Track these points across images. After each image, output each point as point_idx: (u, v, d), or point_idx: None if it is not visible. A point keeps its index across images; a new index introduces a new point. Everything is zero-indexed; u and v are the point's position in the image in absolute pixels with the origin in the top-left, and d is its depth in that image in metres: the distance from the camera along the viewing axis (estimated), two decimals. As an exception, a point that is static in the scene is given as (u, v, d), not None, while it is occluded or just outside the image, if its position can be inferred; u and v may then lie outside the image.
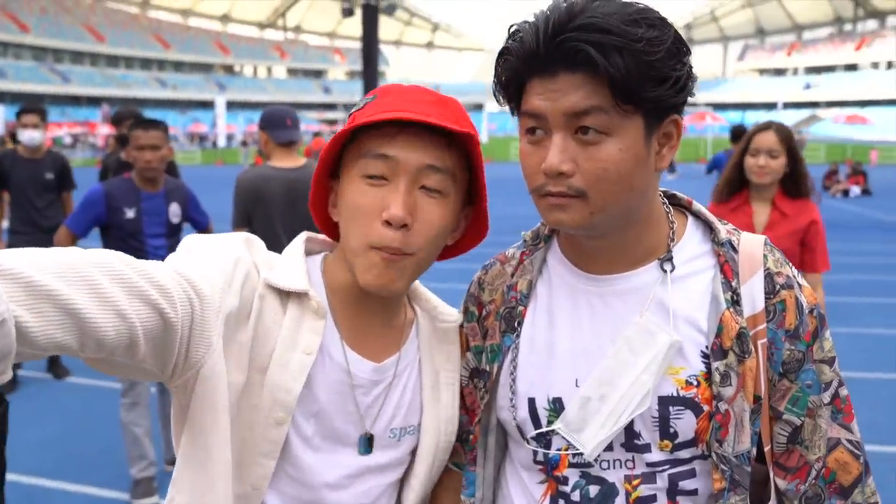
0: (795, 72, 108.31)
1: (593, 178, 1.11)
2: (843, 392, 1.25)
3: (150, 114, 6.30)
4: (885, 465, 4.70)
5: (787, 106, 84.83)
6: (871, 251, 12.78)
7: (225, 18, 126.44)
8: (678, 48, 1.11)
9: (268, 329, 1.21)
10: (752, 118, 66.40)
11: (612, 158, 1.11)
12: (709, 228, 1.30)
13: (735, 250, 1.25)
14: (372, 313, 1.32)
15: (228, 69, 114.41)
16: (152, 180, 4.32)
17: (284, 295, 1.24)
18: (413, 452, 1.37)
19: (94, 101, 79.44)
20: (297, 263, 1.28)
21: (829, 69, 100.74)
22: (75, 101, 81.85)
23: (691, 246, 1.28)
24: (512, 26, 1.17)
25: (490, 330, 1.37)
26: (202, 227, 4.63)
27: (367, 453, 1.30)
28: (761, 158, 3.60)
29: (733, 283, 1.22)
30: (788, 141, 3.62)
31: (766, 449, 1.24)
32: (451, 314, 1.42)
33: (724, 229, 1.28)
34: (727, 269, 1.23)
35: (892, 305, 8.99)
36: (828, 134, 64.31)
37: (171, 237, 4.41)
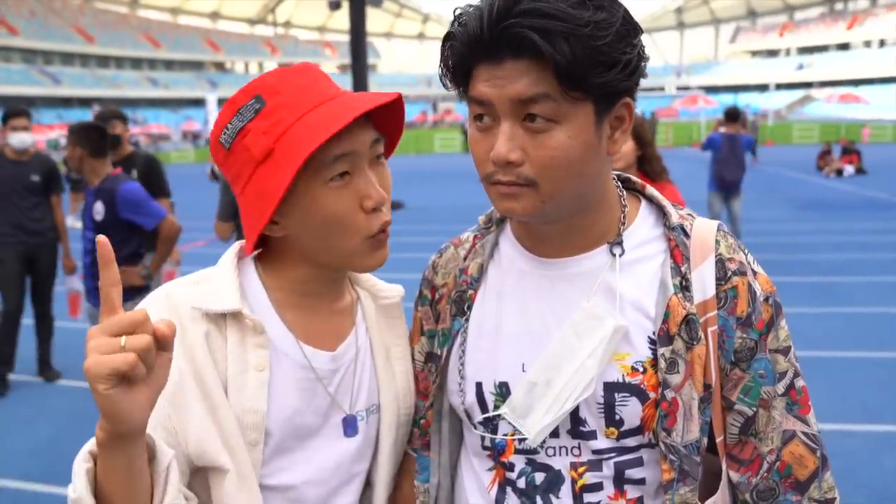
0: (788, 52, 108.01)
1: (542, 166, 1.09)
2: (800, 383, 1.21)
3: (142, 113, 6.30)
4: (875, 445, 4.70)
5: (779, 87, 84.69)
6: (865, 230, 12.73)
7: (214, 15, 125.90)
8: (627, 30, 1.08)
9: (216, 362, 1.19)
10: (744, 100, 66.34)
11: (562, 146, 1.08)
12: (662, 213, 1.27)
13: (687, 235, 1.22)
14: (318, 301, 1.31)
15: (219, 66, 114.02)
16: (87, 179, 4.76)
17: (220, 318, 1.21)
18: (377, 432, 1.38)
19: (85, 103, 79.09)
20: (227, 279, 1.24)
21: (822, 49, 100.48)
22: (66, 102, 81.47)
23: (643, 230, 1.25)
24: (457, 9, 1.13)
25: (442, 314, 1.36)
26: (149, 227, 4.62)
27: (353, 435, 1.31)
28: None
29: (683, 269, 1.19)
30: (635, 126, 3.77)
31: (719, 440, 1.21)
32: (392, 289, 1.43)
33: (676, 214, 1.25)
34: (677, 253, 1.20)
35: (886, 284, 8.97)
36: (822, 114, 64.22)
37: (102, 230, 4.56)
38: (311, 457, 1.27)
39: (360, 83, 18.53)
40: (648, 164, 3.78)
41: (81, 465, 0.97)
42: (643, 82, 1.18)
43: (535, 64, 1.05)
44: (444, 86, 1.20)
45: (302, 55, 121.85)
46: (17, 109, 6.06)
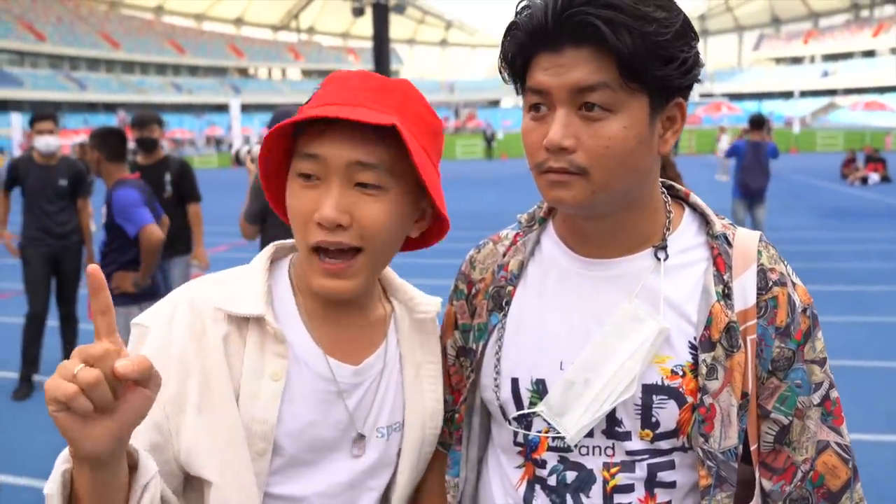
0: (812, 60, 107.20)
1: (596, 155, 1.10)
2: (834, 394, 1.23)
3: (166, 118, 6.36)
4: (903, 455, 4.64)
5: (804, 94, 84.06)
6: (890, 238, 12.55)
7: (238, 22, 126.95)
8: (685, 31, 1.11)
9: (231, 367, 1.17)
10: (768, 108, 65.87)
11: (616, 136, 1.09)
12: (704, 221, 1.29)
13: (729, 244, 1.24)
14: (346, 312, 1.28)
15: (243, 72, 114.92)
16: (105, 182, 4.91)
17: (243, 321, 1.19)
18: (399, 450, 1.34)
19: (110, 108, 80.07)
20: (255, 283, 1.22)
21: (847, 56, 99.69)
22: (92, 107, 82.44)
23: (686, 237, 1.27)
24: (520, 2, 1.15)
25: (478, 308, 1.36)
26: (131, 235, 4.62)
27: (361, 455, 1.27)
28: None
29: (725, 277, 1.20)
30: None
31: (753, 448, 1.22)
32: (429, 304, 1.39)
33: (719, 223, 1.27)
34: (720, 262, 1.22)
35: (911, 293, 8.83)
36: (846, 121, 63.59)
37: (108, 234, 4.76)
38: (324, 470, 1.24)
39: (382, 89, 18.61)
40: (663, 171, 3.80)
41: (60, 465, 0.95)
42: None
43: (595, 52, 1.08)
44: (503, 78, 1.22)
45: (325, 61, 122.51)
46: (42, 113, 6.15)
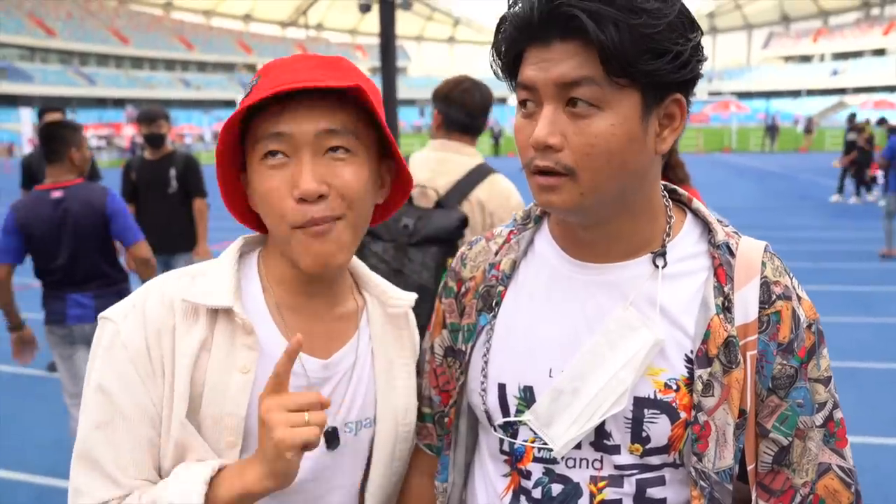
0: (822, 58, 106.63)
1: (581, 154, 1.04)
2: (838, 415, 1.17)
3: (175, 114, 6.26)
4: (909, 458, 4.60)
5: (813, 93, 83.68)
6: (898, 239, 12.48)
7: (247, 18, 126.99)
8: (682, 23, 1.04)
9: (199, 358, 1.16)
10: (777, 106, 65.60)
11: (603, 134, 1.03)
12: (707, 229, 1.23)
13: (732, 254, 1.17)
14: (318, 303, 1.27)
15: (251, 68, 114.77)
16: None
17: (212, 313, 1.18)
18: (371, 445, 1.32)
19: (118, 103, 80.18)
20: (224, 274, 1.22)
21: (857, 55, 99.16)
22: (101, 102, 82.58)
23: (687, 244, 1.21)
24: None
25: (468, 308, 1.31)
26: None
27: (335, 447, 1.25)
28: None
29: (726, 289, 1.14)
30: None
31: (750, 468, 1.16)
32: (402, 297, 1.38)
33: (722, 231, 1.21)
34: (721, 272, 1.15)
35: (919, 294, 8.77)
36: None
37: None
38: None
39: (389, 86, 18.56)
40: (672, 171, 3.80)
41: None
42: None
43: (582, 46, 1.02)
44: (495, 74, 1.17)
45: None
46: (52, 106, 6.18)
